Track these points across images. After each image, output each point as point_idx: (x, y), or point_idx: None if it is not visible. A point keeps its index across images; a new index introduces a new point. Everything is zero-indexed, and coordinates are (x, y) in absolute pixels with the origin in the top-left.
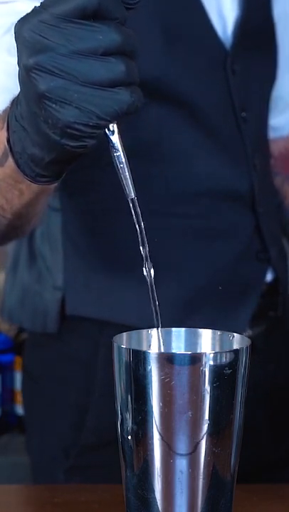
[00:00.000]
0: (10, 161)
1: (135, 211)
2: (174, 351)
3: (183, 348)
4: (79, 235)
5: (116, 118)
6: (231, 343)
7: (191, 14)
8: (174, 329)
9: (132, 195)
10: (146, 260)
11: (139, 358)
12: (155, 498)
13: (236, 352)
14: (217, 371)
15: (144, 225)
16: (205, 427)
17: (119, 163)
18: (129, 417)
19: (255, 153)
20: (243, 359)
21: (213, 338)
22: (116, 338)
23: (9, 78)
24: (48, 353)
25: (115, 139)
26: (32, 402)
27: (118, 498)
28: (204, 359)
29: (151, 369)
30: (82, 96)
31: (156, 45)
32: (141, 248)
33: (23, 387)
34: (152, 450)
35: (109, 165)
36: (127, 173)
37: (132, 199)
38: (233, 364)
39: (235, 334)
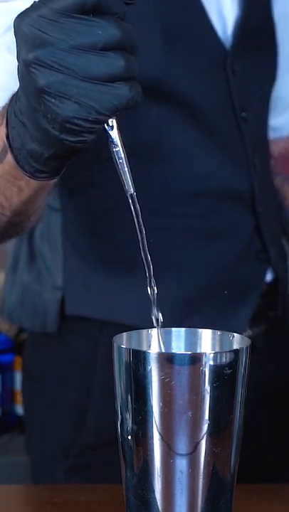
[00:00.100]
0: (9, 157)
1: (134, 207)
2: (174, 351)
3: (183, 348)
4: (79, 235)
5: (115, 113)
6: (231, 343)
7: (191, 14)
8: (174, 329)
9: (132, 190)
10: (151, 278)
11: (139, 358)
12: (155, 498)
13: (236, 352)
14: (217, 371)
15: (144, 223)
16: (205, 427)
17: (119, 159)
18: (129, 417)
19: (255, 153)
20: (243, 359)
21: (213, 338)
22: (116, 338)
23: (9, 77)
24: (48, 353)
25: (114, 134)
26: (32, 402)
27: (118, 498)
28: (204, 359)
29: (151, 369)
30: (82, 91)
31: (156, 45)
32: (144, 263)
33: (23, 387)
34: (152, 450)
35: (109, 160)
36: (126, 169)
37: (131, 195)
38: (233, 364)
39: (235, 334)
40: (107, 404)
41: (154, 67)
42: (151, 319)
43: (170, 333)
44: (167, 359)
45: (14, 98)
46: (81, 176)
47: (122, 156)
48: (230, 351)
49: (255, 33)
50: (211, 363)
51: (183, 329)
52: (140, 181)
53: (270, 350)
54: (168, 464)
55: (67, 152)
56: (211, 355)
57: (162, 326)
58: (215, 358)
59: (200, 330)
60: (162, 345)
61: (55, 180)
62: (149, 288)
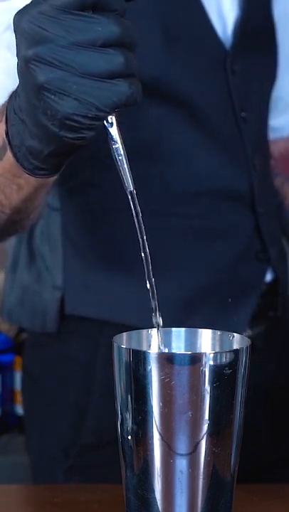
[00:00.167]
0: (8, 154)
1: (134, 204)
2: (174, 351)
3: (183, 348)
4: (79, 234)
5: (115, 110)
6: (231, 343)
7: (191, 14)
8: (174, 329)
9: (131, 187)
10: (156, 310)
11: (139, 358)
12: (155, 498)
13: (236, 352)
14: (217, 371)
15: (144, 223)
16: (205, 427)
17: (118, 156)
18: (129, 417)
19: (255, 154)
20: (243, 359)
21: (213, 338)
22: (116, 338)
23: (8, 76)
24: (48, 353)
25: (114, 131)
26: (32, 402)
27: (118, 498)
28: (204, 359)
29: (151, 369)
30: (81, 87)
31: (156, 44)
32: (143, 259)
33: (23, 387)
34: (152, 450)
35: (108, 158)
36: (125, 166)
37: (130, 192)
38: (233, 364)
39: (235, 334)
40: (107, 404)
41: (153, 67)
42: (151, 319)
43: (170, 333)
44: (167, 359)
45: (14, 95)
46: (81, 176)
47: (122, 153)
48: (230, 351)
49: (255, 33)
50: (211, 363)
51: (183, 329)
52: (140, 181)
53: (270, 350)
54: (168, 463)
55: (67, 149)
56: (211, 355)
57: (162, 326)
58: (215, 358)
59: (200, 330)
60: (162, 345)
61: (55, 178)
62: (148, 285)
